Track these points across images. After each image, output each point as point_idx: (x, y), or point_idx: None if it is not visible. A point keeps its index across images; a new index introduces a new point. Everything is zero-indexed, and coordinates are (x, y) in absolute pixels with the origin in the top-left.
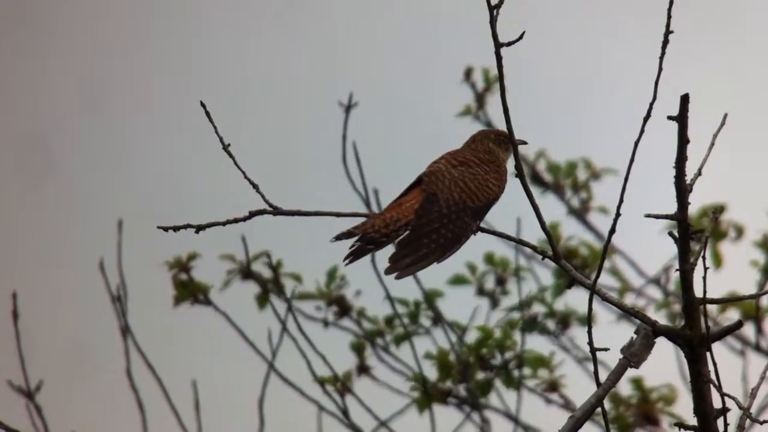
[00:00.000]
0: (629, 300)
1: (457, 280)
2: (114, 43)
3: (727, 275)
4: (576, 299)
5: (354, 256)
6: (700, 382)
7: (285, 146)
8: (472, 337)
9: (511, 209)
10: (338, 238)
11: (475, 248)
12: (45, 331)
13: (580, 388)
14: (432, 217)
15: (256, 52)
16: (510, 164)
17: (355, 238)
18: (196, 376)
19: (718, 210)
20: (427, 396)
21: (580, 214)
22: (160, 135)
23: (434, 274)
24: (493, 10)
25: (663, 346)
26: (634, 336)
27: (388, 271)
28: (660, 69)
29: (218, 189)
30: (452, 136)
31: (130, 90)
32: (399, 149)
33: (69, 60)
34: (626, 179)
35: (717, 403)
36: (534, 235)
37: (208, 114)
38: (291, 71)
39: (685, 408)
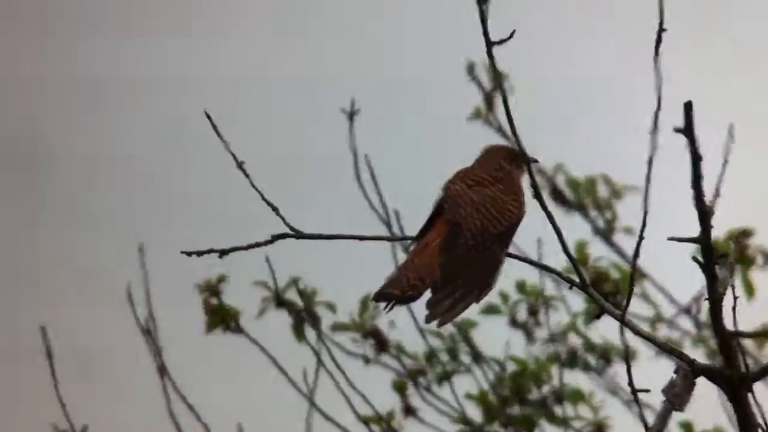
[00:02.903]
0: (662, 332)
1: (490, 310)
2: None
3: (760, 305)
4: (611, 331)
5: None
6: (748, 425)
7: (288, 157)
8: (509, 369)
9: (536, 228)
10: (376, 300)
11: (505, 275)
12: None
13: (626, 431)
14: (459, 251)
15: (258, 55)
16: (526, 183)
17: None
18: (236, 414)
19: (744, 234)
20: None
21: (605, 234)
22: (161, 136)
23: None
24: (482, 4)
25: (704, 384)
26: (674, 376)
27: (428, 320)
28: (659, 75)
29: (218, 188)
30: (462, 140)
31: (131, 90)
32: (409, 155)
33: (70, 60)
34: (645, 201)
35: None
36: (559, 254)
37: (215, 127)
38: (292, 72)
39: None
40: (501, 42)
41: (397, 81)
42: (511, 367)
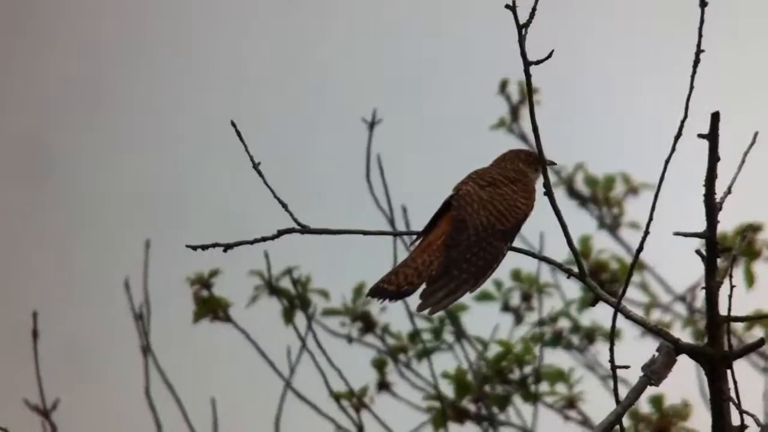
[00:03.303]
0: (656, 316)
1: (483, 296)
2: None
3: (758, 294)
4: (602, 315)
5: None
6: (720, 399)
7: (305, 160)
8: (493, 351)
9: (543, 223)
10: (372, 295)
11: (503, 264)
12: (61, 349)
13: (602, 406)
14: (461, 248)
15: (267, 54)
16: (540, 183)
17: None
18: (215, 395)
19: (751, 229)
20: (444, 415)
21: (611, 228)
22: (163, 138)
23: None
24: (521, 29)
25: (685, 366)
26: (656, 354)
27: (420, 308)
28: (691, 88)
29: (219, 186)
30: (482, 150)
31: (131, 91)
32: (427, 163)
33: (70, 60)
34: (656, 197)
35: (736, 421)
36: (563, 248)
37: (238, 133)
38: (304, 72)
39: (705, 427)
40: (539, 62)
41: (425, 91)
42: (495, 350)
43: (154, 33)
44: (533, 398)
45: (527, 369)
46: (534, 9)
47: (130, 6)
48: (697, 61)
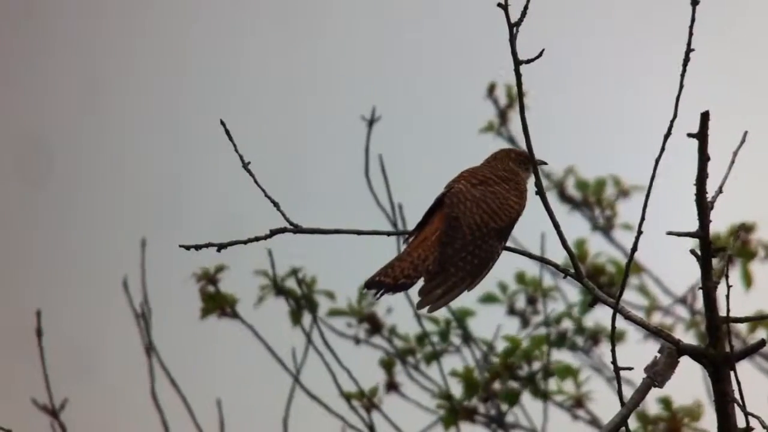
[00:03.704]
0: (657, 318)
1: (488, 299)
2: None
3: (758, 295)
4: (605, 317)
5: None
6: (724, 401)
7: (305, 159)
8: (499, 349)
9: (538, 226)
10: (367, 287)
11: (505, 267)
12: (69, 350)
13: (609, 407)
14: (457, 246)
15: (269, 56)
16: (531, 183)
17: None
18: (221, 394)
19: (744, 228)
20: (454, 413)
21: (605, 230)
22: (163, 138)
23: (465, 293)
24: (513, 28)
25: (690, 367)
26: (658, 355)
27: (420, 306)
28: (681, 86)
29: (216, 185)
30: (473, 151)
31: (131, 91)
32: (419, 163)
33: (70, 60)
34: (647, 197)
35: (741, 422)
36: (562, 251)
37: (227, 132)
38: (299, 75)
39: (711, 428)
40: (529, 61)
41: (416, 93)
42: (502, 346)
43: (154, 33)
44: (542, 395)
45: (536, 365)
46: (526, 8)
47: (130, 6)
48: (686, 60)
